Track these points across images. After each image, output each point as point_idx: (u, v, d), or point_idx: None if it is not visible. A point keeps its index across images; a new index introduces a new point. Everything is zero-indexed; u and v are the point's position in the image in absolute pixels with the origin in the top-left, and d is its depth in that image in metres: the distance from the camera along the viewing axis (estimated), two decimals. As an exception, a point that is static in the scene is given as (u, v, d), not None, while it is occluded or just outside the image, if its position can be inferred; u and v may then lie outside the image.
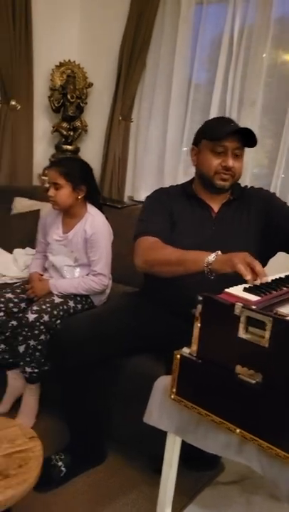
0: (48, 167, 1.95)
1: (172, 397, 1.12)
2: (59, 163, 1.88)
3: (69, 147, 3.02)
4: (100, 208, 1.93)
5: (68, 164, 1.84)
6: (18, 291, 1.86)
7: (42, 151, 3.08)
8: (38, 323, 1.66)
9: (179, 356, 1.10)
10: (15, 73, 2.71)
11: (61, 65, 2.96)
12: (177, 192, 1.63)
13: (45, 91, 2.98)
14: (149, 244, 1.48)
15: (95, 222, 1.84)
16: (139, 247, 1.50)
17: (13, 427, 1.29)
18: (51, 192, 1.82)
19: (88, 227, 1.82)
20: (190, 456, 1.30)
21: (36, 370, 1.71)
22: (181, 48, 2.61)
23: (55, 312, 1.72)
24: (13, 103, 2.76)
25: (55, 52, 2.93)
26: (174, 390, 1.12)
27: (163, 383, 1.19)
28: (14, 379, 1.82)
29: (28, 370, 1.70)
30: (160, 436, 1.22)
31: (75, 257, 1.86)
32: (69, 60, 2.97)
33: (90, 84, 3.01)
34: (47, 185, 2.85)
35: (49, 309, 1.70)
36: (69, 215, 1.88)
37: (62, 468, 1.51)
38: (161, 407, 1.18)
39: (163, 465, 1.23)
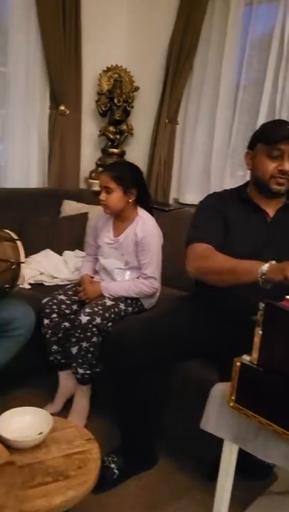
0: (100, 171, 1.97)
1: (231, 404, 1.11)
2: (110, 167, 1.90)
3: (115, 150, 3.05)
4: (150, 211, 1.93)
5: (119, 168, 1.86)
6: (70, 293, 1.90)
7: (88, 155, 3.12)
8: (90, 326, 1.69)
9: (239, 364, 1.08)
10: (64, 79, 2.76)
11: (108, 69, 2.99)
12: (231, 196, 1.61)
13: (93, 96, 3.02)
14: (202, 252, 1.47)
15: (145, 225, 1.85)
16: (192, 253, 1.50)
17: (71, 428, 1.31)
18: (103, 196, 1.85)
19: (139, 230, 1.84)
20: (244, 464, 1.28)
21: (88, 372, 1.74)
22: (229, 49, 2.59)
23: (107, 315, 1.74)
24: (62, 108, 2.81)
25: (102, 58, 2.97)
26: (234, 397, 1.10)
27: (220, 390, 1.18)
28: (66, 379, 1.85)
29: (80, 371, 1.73)
30: (212, 442, 1.21)
31: (126, 260, 1.88)
32: (116, 65, 3.00)
33: (137, 88, 3.02)
34: (94, 188, 2.92)
35: (101, 312, 1.73)
36: (120, 218, 1.90)
37: (115, 471, 1.52)
38: (219, 415, 1.17)
39: (219, 473, 1.21)
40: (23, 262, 1.54)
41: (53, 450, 1.21)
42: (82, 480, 1.12)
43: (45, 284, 2.15)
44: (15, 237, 1.56)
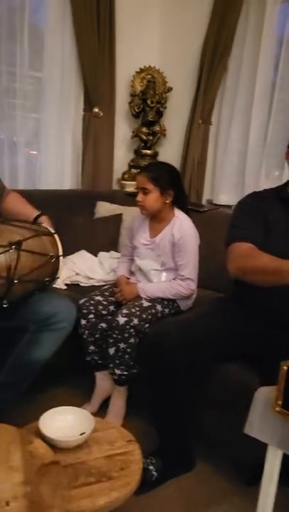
0: (137, 172, 1.97)
1: (277, 409, 1.08)
2: (148, 168, 1.90)
3: (148, 152, 3.05)
4: (186, 212, 1.92)
5: (157, 169, 1.86)
6: (107, 293, 1.90)
7: (121, 157, 3.13)
8: (128, 327, 1.69)
9: (285, 368, 1.06)
10: (98, 82, 2.78)
11: (141, 70, 3.00)
12: (271, 196, 1.58)
13: (126, 97, 3.03)
14: (244, 251, 1.45)
15: (182, 226, 1.83)
16: (234, 253, 1.48)
17: (111, 429, 1.31)
18: (140, 197, 1.85)
19: (176, 231, 1.83)
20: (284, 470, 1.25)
21: (125, 373, 1.74)
22: (264, 47, 2.55)
23: (144, 316, 1.73)
24: (96, 110, 2.83)
25: (135, 59, 2.98)
26: (280, 402, 1.08)
27: (265, 394, 1.16)
28: (102, 380, 1.86)
29: (118, 372, 1.73)
30: (251, 446, 1.19)
31: (162, 261, 1.87)
32: (149, 66, 3.00)
33: (170, 89, 3.02)
34: (127, 189, 2.93)
35: (138, 313, 1.72)
36: (156, 219, 1.90)
37: (154, 473, 1.52)
38: (263, 419, 1.15)
39: (263, 479, 1.19)
40: (61, 255, 1.54)
41: (95, 451, 1.21)
42: (125, 482, 1.12)
43: (81, 284, 2.16)
44: (52, 231, 1.57)
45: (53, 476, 1.03)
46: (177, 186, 1.86)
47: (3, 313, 1.48)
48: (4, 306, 1.44)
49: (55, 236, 1.56)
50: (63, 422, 1.27)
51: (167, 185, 1.82)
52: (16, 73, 2.55)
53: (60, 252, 1.54)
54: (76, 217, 2.53)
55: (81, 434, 1.22)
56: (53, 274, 1.56)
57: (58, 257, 1.54)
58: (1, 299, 1.43)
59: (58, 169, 2.86)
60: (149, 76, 3.01)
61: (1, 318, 1.52)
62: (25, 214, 1.72)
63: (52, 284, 1.60)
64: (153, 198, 1.83)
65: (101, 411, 1.84)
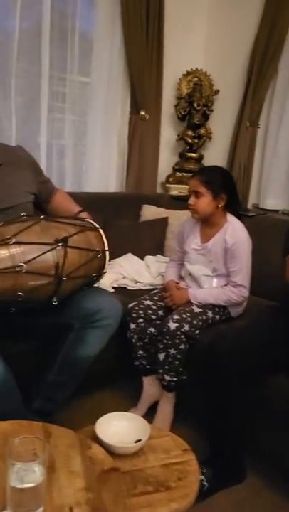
0: (190, 176, 1.94)
1: None
2: (201, 171, 1.87)
3: (193, 155, 3.02)
4: (239, 217, 1.88)
5: (210, 173, 1.83)
6: (156, 298, 1.89)
7: (165, 160, 3.12)
8: (178, 332, 1.66)
9: None
10: (145, 85, 2.78)
11: (188, 73, 2.98)
12: None
13: (172, 100, 3.02)
14: None
15: (235, 231, 1.80)
16: None
17: (166, 437, 1.29)
18: (192, 200, 1.82)
19: (228, 236, 1.79)
20: None
21: (174, 379, 1.72)
22: None
23: (195, 322, 1.71)
24: (142, 113, 2.83)
25: (182, 62, 2.96)
26: None
27: None
28: (150, 385, 1.84)
29: (167, 378, 1.71)
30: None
31: (214, 267, 1.84)
32: (196, 69, 2.98)
33: (216, 92, 2.98)
34: (172, 193, 2.91)
35: (189, 319, 1.70)
36: (208, 224, 1.87)
37: (205, 483, 1.48)
38: None
39: None
40: (108, 250, 1.53)
41: (151, 459, 1.19)
42: (183, 493, 1.09)
43: (128, 288, 2.16)
44: (96, 225, 1.56)
45: (114, 484, 1.02)
46: (230, 190, 1.82)
47: (51, 311, 1.48)
48: (54, 303, 1.44)
49: (100, 230, 1.54)
50: (118, 428, 1.25)
51: (220, 189, 1.79)
52: (66, 79, 2.59)
53: (106, 247, 1.53)
54: (122, 220, 2.53)
55: (137, 441, 1.21)
56: (100, 269, 1.54)
57: (104, 251, 1.52)
58: (51, 297, 1.43)
59: (103, 172, 2.88)
60: (196, 79, 2.98)
61: (49, 315, 1.52)
62: (70, 210, 1.73)
63: (100, 279, 1.59)
64: (205, 202, 1.80)
65: (147, 416, 1.82)
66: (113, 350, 1.69)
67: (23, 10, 2.31)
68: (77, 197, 2.10)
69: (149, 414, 1.83)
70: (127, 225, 2.49)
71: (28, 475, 0.86)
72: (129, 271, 2.18)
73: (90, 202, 2.51)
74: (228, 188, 1.81)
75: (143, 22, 2.66)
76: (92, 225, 1.54)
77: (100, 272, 1.54)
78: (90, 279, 1.54)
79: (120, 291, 2.12)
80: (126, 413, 1.31)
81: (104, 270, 1.54)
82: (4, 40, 2.30)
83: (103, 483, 1.01)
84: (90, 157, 2.82)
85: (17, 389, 1.40)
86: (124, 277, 2.18)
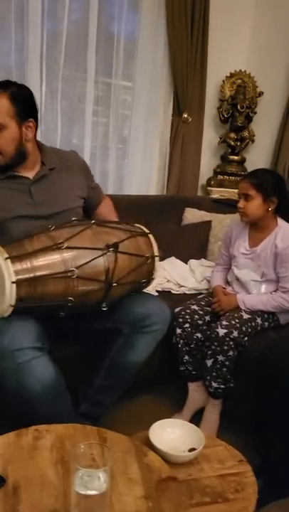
0: (240, 179, 1.91)
1: None
2: (252, 174, 1.83)
3: (235, 158, 2.98)
4: (289, 221, 1.83)
5: (260, 175, 1.79)
6: (203, 303, 1.85)
7: (207, 162, 3.09)
8: (227, 339, 1.63)
9: None
10: (189, 87, 2.75)
11: (232, 75, 2.94)
12: None
13: (214, 102, 2.98)
14: None
15: (287, 236, 1.75)
16: None
17: (220, 447, 1.26)
18: (241, 203, 1.78)
19: (279, 241, 1.74)
20: None
21: (222, 386, 1.68)
22: None
23: (244, 328, 1.67)
24: (185, 115, 2.81)
25: (225, 63, 2.92)
26: None
27: None
28: (195, 391, 1.81)
29: (214, 385, 1.68)
30: None
31: (263, 272, 1.79)
32: (240, 70, 2.93)
33: (260, 93, 2.93)
34: (214, 196, 2.87)
35: (238, 325, 1.66)
36: (257, 228, 1.82)
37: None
38: None
39: None
40: (157, 256, 1.51)
41: (206, 469, 1.17)
42: (242, 505, 1.06)
43: (172, 292, 2.13)
44: (146, 230, 1.54)
45: (173, 493, 1.00)
46: (281, 194, 1.77)
47: (99, 315, 1.48)
48: (103, 309, 1.44)
49: (150, 236, 1.53)
50: (171, 435, 1.24)
51: (270, 192, 1.75)
52: (111, 83, 2.61)
53: (156, 253, 1.51)
54: (164, 223, 2.51)
55: (190, 450, 1.18)
56: (149, 275, 1.53)
57: (153, 257, 1.51)
58: (100, 303, 1.42)
59: (145, 174, 2.88)
60: (240, 81, 2.94)
61: (98, 320, 1.52)
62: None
63: (148, 285, 1.57)
64: (255, 205, 1.76)
65: (191, 423, 1.79)
66: (157, 354, 1.67)
67: (70, 13, 2.34)
68: (119, 199, 2.10)
69: (193, 421, 1.80)
70: (169, 228, 2.47)
71: (93, 481, 0.85)
72: (173, 275, 2.16)
73: (131, 204, 2.52)
74: (279, 191, 1.77)
75: (188, 24, 2.64)
76: (142, 230, 1.52)
77: (149, 278, 1.52)
78: (138, 285, 1.52)
79: (164, 295, 2.10)
80: (179, 420, 1.30)
81: (154, 276, 1.53)
82: (52, 43, 2.33)
83: (162, 492, 0.99)
84: (132, 160, 2.82)
85: (67, 391, 1.40)
86: (168, 281, 2.15)
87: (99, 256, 1.35)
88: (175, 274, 2.16)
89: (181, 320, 1.78)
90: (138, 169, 2.85)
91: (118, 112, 2.69)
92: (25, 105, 1.45)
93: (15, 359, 1.23)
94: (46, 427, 1.16)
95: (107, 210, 1.84)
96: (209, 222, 2.47)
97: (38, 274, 1.26)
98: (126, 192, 2.80)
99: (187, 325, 1.78)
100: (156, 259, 1.50)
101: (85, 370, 1.60)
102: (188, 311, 1.80)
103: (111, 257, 1.38)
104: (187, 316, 1.79)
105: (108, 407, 1.60)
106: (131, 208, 2.48)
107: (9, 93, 1.41)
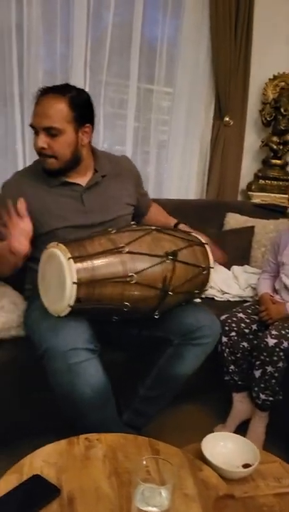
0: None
1: None
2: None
3: (278, 162, 2.91)
4: None
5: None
6: (249, 311, 1.80)
7: (247, 166, 3.02)
8: (277, 349, 1.57)
9: None
10: (231, 90, 2.71)
11: (275, 77, 2.87)
12: None
13: (257, 105, 2.92)
14: None
15: None
16: None
17: (274, 463, 1.21)
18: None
19: None
20: None
21: (270, 398, 1.62)
22: None
23: (295, 339, 1.61)
24: (226, 119, 2.76)
25: (269, 66, 2.85)
26: None
27: None
28: (240, 402, 1.76)
29: (262, 396, 1.62)
30: None
31: (313, 281, 1.73)
32: (283, 73, 2.86)
33: (305, 96, 2.85)
34: (255, 201, 2.81)
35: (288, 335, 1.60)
36: (308, 235, 1.76)
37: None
38: None
39: None
40: (212, 267, 1.48)
41: (262, 486, 1.12)
42: (303, 528, 1.00)
43: (216, 298, 2.08)
44: (203, 241, 1.51)
45: (231, 512, 0.95)
46: None
47: (150, 323, 1.45)
48: (155, 317, 1.41)
49: (206, 246, 1.50)
50: (224, 449, 1.19)
51: None
52: (153, 90, 2.61)
53: (212, 264, 1.48)
54: (205, 228, 2.46)
55: (245, 465, 1.14)
56: (202, 286, 1.50)
57: (209, 268, 1.47)
58: (153, 310, 1.40)
59: (184, 178, 2.85)
60: (283, 83, 2.87)
61: (147, 327, 1.49)
62: (167, 223, 1.72)
63: (200, 296, 1.54)
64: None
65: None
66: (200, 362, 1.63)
67: (115, 17, 2.34)
68: (159, 204, 2.07)
69: (237, 433, 1.74)
70: (211, 233, 2.41)
71: (154, 498, 0.82)
72: (216, 281, 2.11)
73: (172, 209, 2.47)
74: None
75: (232, 27, 2.59)
76: (199, 240, 1.49)
77: (202, 289, 1.49)
78: (191, 295, 1.50)
79: (207, 301, 2.05)
80: (232, 434, 1.25)
81: (207, 288, 1.49)
82: (97, 49, 2.33)
83: (220, 511, 0.95)
84: (171, 164, 2.79)
85: (113, 397, 1.38)
86: (211, 287, 2.10)
87: (158, 263, 1.33)
88: (219, 281, 2.11)
89: (227, 328, 1.73)
90: (177, 173, 2.82)
91: (158, 117, 2.67)
92: (83, 110, 1.43)
93: (67, 359, 1.22)
94: (96, 435, 1.14)
95: (158, 215, 1.83)
96: (252, 227, 2.41)
97: (98, 276, 1.25)
98: (165, 196, 2.77)
99: (233, 333, 1.73)
100: (212, 270, 1.47)
101: (129, 378, 1.57)
102: (234, 319, 1.75)
103: (169, 265, 1.36)
104: (233, 325, 1.74)
105: (151, 418, 1.57)
106: (171, 213, 2.45)
107: (68, 98, 1.39)
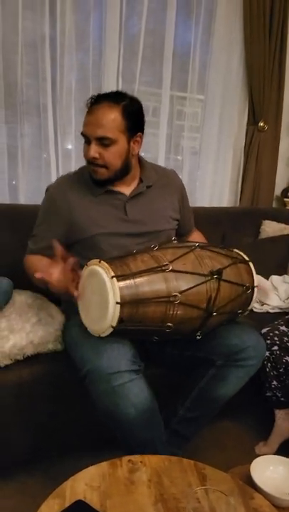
0: None
1: None
2: None
3: (315, 167, 2.82)
4: None
5: None
6: (292, 324, 1.72)
7: (282, 172, 2.94)
8: None
9: None
10: (266, 93, 2.64)
11: (310, 80, 2.79)
12: None
13: (291, 109, 2.84)
14: None
15: None
16: None
17: None
18: None
19: None
20: None
21: None
22: None
23: None
24: (261, 124, 2.69)
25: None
26: None
27: None
28: (284, 419, 1.68)
29: (309, 414, 1.54)
30: None
31: None
32: None
33: None
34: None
35: None
36: None
37: None
38: None
39: None
40: (256, 286, 1.41)
41: (317, 515, 1.04)
42: None
43: (255, 310, 2.01)
44: (246, 258, 1.45)
45: None
46: None
47: (191, 343, 1.39)
48: (198, 338, 1.35)
49: (250, 264, 1.43)
50: (274, 474, 1.12)
51: None
52: (186, 98, 2.57)
53: (256, 283, 1.41)
54: (241, 236, 2.40)
55: (297, 492, 1.06)
56: (246, 306, 1.43)
57: (253, 288, 1.41)
58: (196, 331, 1.33)
59: (217, 186, 2.79)
60: None
61: (189, 347, 1.43)
62: None
63: (242, 315, 1.47)
64: None
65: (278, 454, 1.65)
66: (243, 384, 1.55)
67: (147, 24, 2.31)
68: (194, 212, 2.01)
69: (280, 453, 1.66)
70: (247, 241, 2.35)
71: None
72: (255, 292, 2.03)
73: (206, 217, 2.43)
74: None
75: (266, 30, 2.53)
76: (242, 257, 1.43)
77: (245, 309, 1.42)
78: (234, 315, 1.43)
79: (246, 313, 1.98)
80: (281, 457, 1.17)
81: (250, 307, 1.43)
82: (129, 56, 2.31)
83: None
84: (204, 171, 2.74)
85: (160, 415, 1.32)
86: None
87: (202, 282, 1.27)
88: (257, 292, 2.03)
89: (269, 342, 1.65)
90: (210, 181, 2.76)
91: (191, 124, 2.63)
92: (135, 119, 1.39)
93: (111, 382, 1.17)
94: (140, 457, 1.09)
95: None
96: (290, 235, 2.33)
97: (142, 295, 1.19)
98: (198, 204, 2.71)
99: (276, 347, 1.65)
100: (255, 290, 1.40)
101: (168, 398, 1.51)
102: (276, 332, 1.67)
103: (214, 285, 1.30)
104: (276, 338, 1.66)
105: (189, 440, 1.50)
106: (205, 221, 2.39)
107: (122, 106, 1.34)
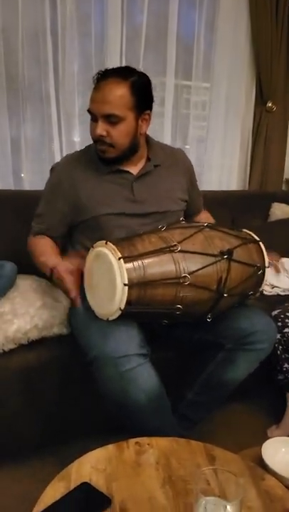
0: None
1: None
2: None
3: None
4: None
5: None
6: (303, 306, 1.68)
7: (291, 154, 2.88)
8: None
9: None
10: (274, 72, 2.56)
11: None
12: None
13: (300, 89, 2.77)
14: None
15: None
16: None
17: None
18: None
19: None
20: None
21: None
22: None
23: None
24: (269, 104, 2.63)
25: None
26: None
27: None
28: (296, 403, 1.64)
29: None
30: None
31: None
32: None
33: None
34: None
35: None
36: None
37: None
38: None
39: None
40: (268, 267, 1.37)
41: None
42: None
43: (265, 293, 1.97)
44: (257, 238, 1.40)
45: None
46: None
47: (200, 326, 1.36)
48: (208, 320, 1.31)
49: (261, 244, 1.38)
50: (286, 456, 1.09)
51: None
52: (192, 75, 2.51)
53: (267, 263, 1.37)
54: (250, 219, 2.36)
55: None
56: (257, 287, 1.39)
57: (264, 268, 1.36)
58: (206, 313, 1.30)
59: (225, 169, 2.73)
60: None
61: (198, 330, 1.40)
62: None
63: (254, 297, 1.43)
64: None
65: None
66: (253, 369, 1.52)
67: (150, 6, 2.26)
68: (203, 195, 1.97)
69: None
70: (256, 224, 2.31)
71: (217, 511, 0.74)
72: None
73: (215, 200, 2.38)
74: None
75: (272, 6, 2.44)
76: (252, 237, 1.38)
77: (256, 290, 1.38)
78: (245, 297, 1.38)
79: (256, 296, 1.94)
80: (293, 439, 1.14)
81: (261, 289, 1.38)
82: (132, 40, 2.26)
83: (288, 526, 0.85)
84: (212, 155, 2.68)
85: (168, 400, 1.30)
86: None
87: (212, 263, 1.23)
88: (268, 274, 1.98)
89: (280, 324, 1.62)
90: (218, 164, 2.71)
91: (197, 107, 2.58)
92: (144, 96, 1.34)
93: (119, 367, 1.14)
94: (147, 439, 1.06)
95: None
96: (300, 217, 2.28)
97: (150, 277, 1.16)
98: (206, 187, 2.66)
99: (287, 329, 1.61)
100: (267, 270, 1.36)
101: (175, 382, 1.48)
102: (287, 314, 1.64)
103: (224, 265, 1.25)
104: (287, 320, 1.62)
105: (197, 424, 1.47)
106: (214, 204, 2.34)
107: (130, 82, 1.29)
